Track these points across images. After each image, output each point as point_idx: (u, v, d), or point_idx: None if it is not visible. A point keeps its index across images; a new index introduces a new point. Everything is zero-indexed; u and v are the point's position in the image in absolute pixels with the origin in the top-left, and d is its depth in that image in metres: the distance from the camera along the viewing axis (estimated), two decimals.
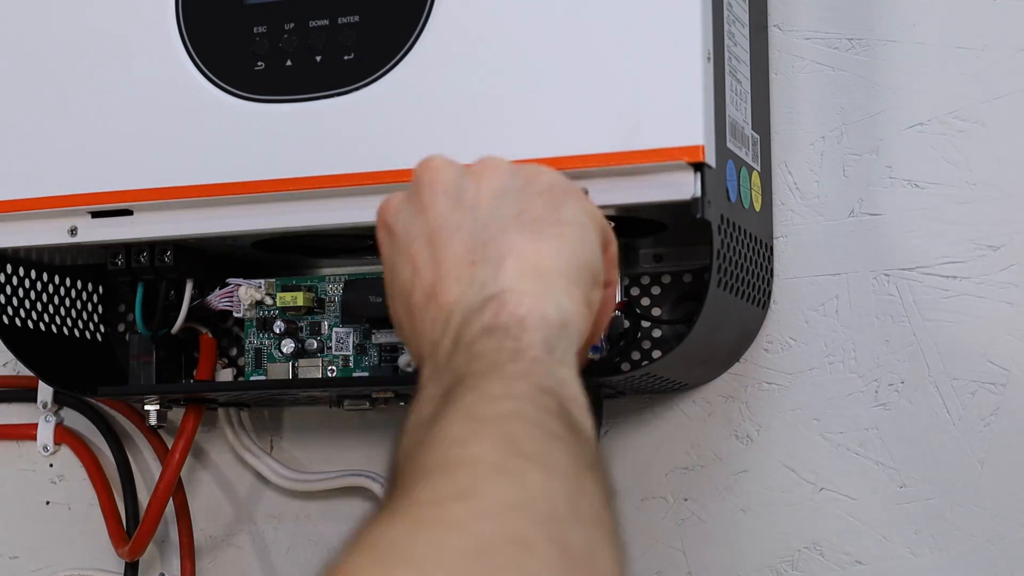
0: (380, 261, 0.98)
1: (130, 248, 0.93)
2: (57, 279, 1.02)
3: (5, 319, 0.97)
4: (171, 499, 1.02)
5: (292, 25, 0.87)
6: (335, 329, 0.95)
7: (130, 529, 1.05)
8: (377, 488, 1.01)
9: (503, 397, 0.56)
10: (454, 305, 0.63)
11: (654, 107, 0.80)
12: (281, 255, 0.98)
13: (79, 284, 1.04)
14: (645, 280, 0.95)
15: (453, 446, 0.53)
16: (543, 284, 0.63)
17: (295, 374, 0.95)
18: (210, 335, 1.01)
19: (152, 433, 1.06)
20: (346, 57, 0.86)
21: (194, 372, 1.01)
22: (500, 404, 0.55)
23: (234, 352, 1.04)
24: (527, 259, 0.64)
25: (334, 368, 0.95)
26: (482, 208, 0.67)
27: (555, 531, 0.48)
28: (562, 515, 0.50)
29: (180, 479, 1.03)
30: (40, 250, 0.97)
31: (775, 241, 0.94)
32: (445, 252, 0.65)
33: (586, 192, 0.74)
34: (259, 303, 0.96)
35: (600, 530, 0.50)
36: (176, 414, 1.04)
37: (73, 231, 0.92)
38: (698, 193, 0.79)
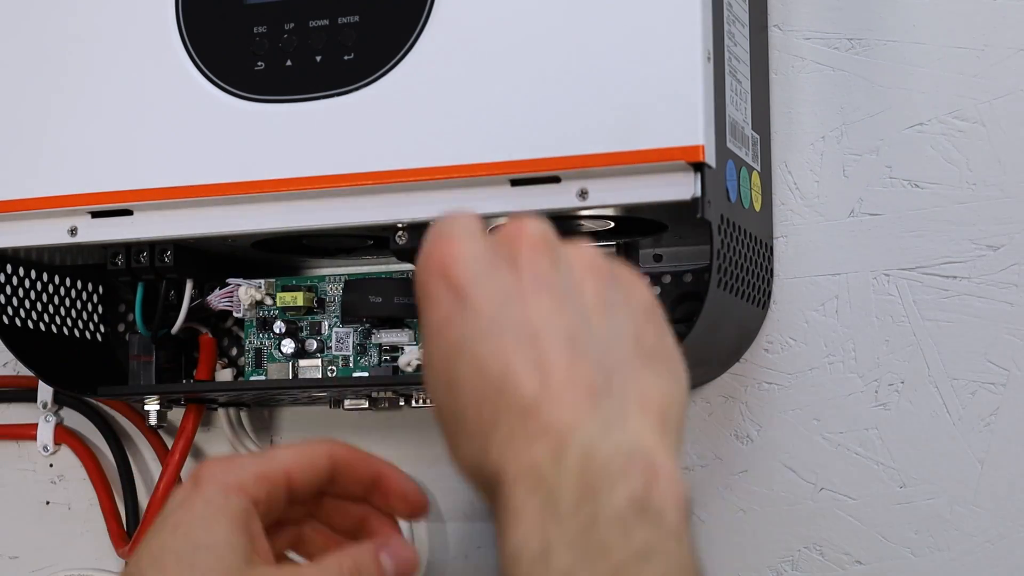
0: (379, 261, 1.00)
1: (130, 248, 0.93)
2: (57, 279, 1.02)
3: (5, 319, 0.97)
4: None
5: (292, 25, 0.87)
6: (335, 329, 0.95)
7: (130, 529, 1.05)
8: None
9: None
10: (569, 434, 0.53)
11: (654, 107, 0.80)
12: (281, 255, 0.98)
13: (79, 284, 1.04)
14: (645, 280, 0.95)
15: None
16: (670, 438, 0.55)
17: (295, 374, 0.95)
18: (210, 335, 1.01)
19: (152, 433, 1.06)
20: (346, 57, 0.86)
21: (194, 372, 1.01)
22: None
23: (234, 352, 1.03)
24: (656, 401, 0.56)
25: (334, 368, 0.95)
26: (595, 322, 0.56)
27: None
28: None
29: (180, 479, 1.02)
30: (40, 250, 0.97)
31: (775, 241, 0.94)
32: (555, 362, 0.54)
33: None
34: (259, 303, 0.96)
35: None
36: (176, 414, 1.04)
37: (73, 231, 0.92)
38: (698, 193, 0.79)
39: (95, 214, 0.91)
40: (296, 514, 0.70)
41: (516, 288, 0.56)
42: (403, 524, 0.74)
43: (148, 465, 1.09)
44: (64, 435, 1.09)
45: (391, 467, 0.71)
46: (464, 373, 0.55)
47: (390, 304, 0.92)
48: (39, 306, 1.00)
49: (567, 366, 0.54)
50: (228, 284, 0.96)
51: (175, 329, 0.98)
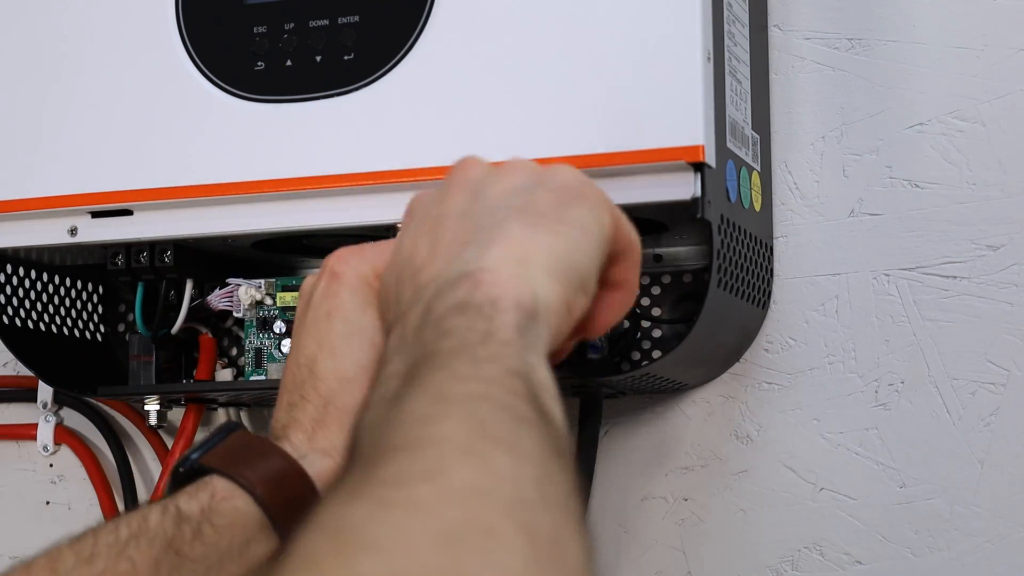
0: None
1: (130, 248, 0.93)
2: (57, 279, 1.02)
3: (5, 319, 0.97)
4: None
5: (292, 25, 0.87)
6: None
7: None
8: None
9: (472, 378, 0.54)
10: (432, 279, 0.62)
11: (654, 107, 0.80)
12: (281, 255, 0.98)
13: (79, 284, 1.04)
14: (645, 280, 0.95)
15: (419, 425, 0.51)
16: (523, 271, 0.61)
17: None
18: (210, 335, 1.01)
19: (152, 433, 1.06)
20: (346, 57, 0.86)
21: (194, 372, 1.01)
22: (469, 385, 0.54)
23: (234, 352, 1.04)
24: (515, 247, 0.62)
25: None
26: (491, 200, 0.66)
27: (523, 516, 0.47)
28: (530, 500, 0.49)
29: None
30: (40, 250, 0.97)
31: (775, 241, 0.94)
32: (444, 234, 0.64)
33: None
34: (259, 303, 0.96)
35: (567, 516, 0.49)
36: (176, 414, 1.04)
37: (73, 231, 0.92)
38: (698, 193, 0.79)
39: (95, 214, 0.91)
40: None
41: (441, 195, 0.67)
42: None
43: (148, 465, 1.09)
44: (64, 435, 1.09)
45: None
46: (394, 261, 0.67)
47: None
48: (39, 306, 1.00)
49: (451, 235, 0.64)
50: (228, 284, 0.96)
51: (175, 329, 0.98)
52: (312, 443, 0.68)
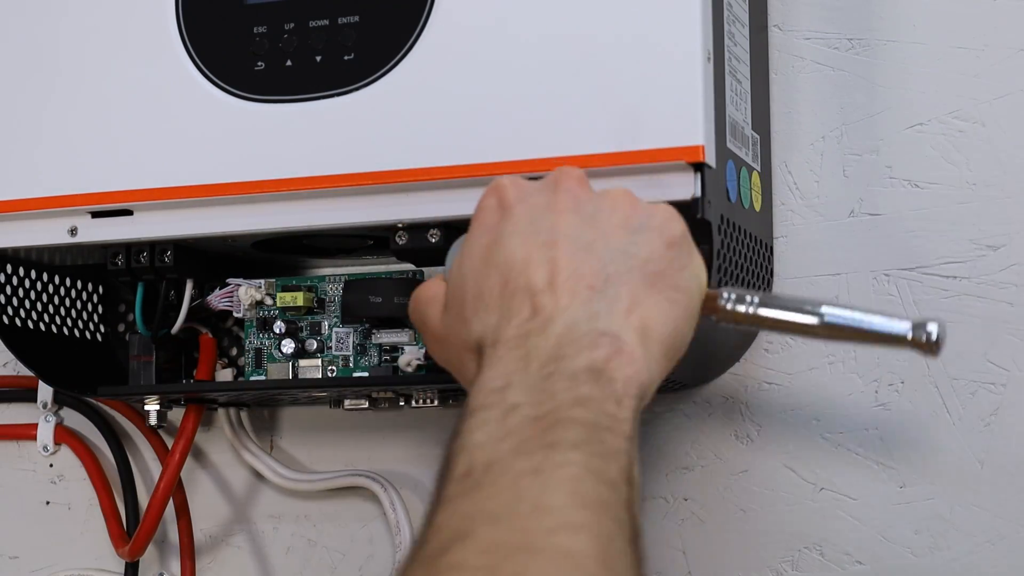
0: (379, 262, 1.00)
1: (130, 248, 0.93)
2: (57, 279, 1.02)
3: (5, 319, 0.97)
4: (171, 499, 1.02)
5: (292, 25, 0.87)
6: (335, 329, 0.95)
7: (130, 529, 1.05)
8: (377, 488, 1.00)
9: (602, 481, 0.58)
10: (559, 313, 0.64)
11: (654, 107, 0.80)
12: (281, 255, 0.98)
13: (79, 284, 1.04)
14: None
15: (546, 520, 0.55)
16: (647, 347, 0.65)
17: (295, 374, 0.95)
18: (210, 335, 1.01)
19: (152, 433, 1.06)
20: (346, 57, 0.86)
21: (194, 372, 1.01)
22: (600, 490, 0.58)
23: (234, 352, 1.04)
24: (642, 314, 0.66)
25: (334, 368, 0.95)
26: (612, 239, 0.68)
27: None
28: None
29: (180, 479, 1.02)
30: (40, 250, 0.97)
31: (775, 241, 0.94)
32: (566, 262, 0.66)
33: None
34: (259, 303, 0.96)
35: None
36: (176, 414, 1.04)
37: (73, 231, 0.92)
38: (698, 193, 0.79)
39: (95, 214, 0.91)
40: None
41: (551, 205, 0.69)
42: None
43: (148, 465, 1.09)
44: (64, 435, 1.09)
45: None
46: (498, 259, 0.67)
47: (390, 304, 0.92)
48: (39, 306, 1.00)
49: (574, 266, 0.66)
50: (228, 284, 0.96)
51: (175, 329, 0.98)
52: None
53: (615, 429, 0.61)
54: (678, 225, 0.70)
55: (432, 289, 0.72)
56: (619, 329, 0.64)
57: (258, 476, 1.05)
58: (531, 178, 0.73)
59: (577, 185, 0.70)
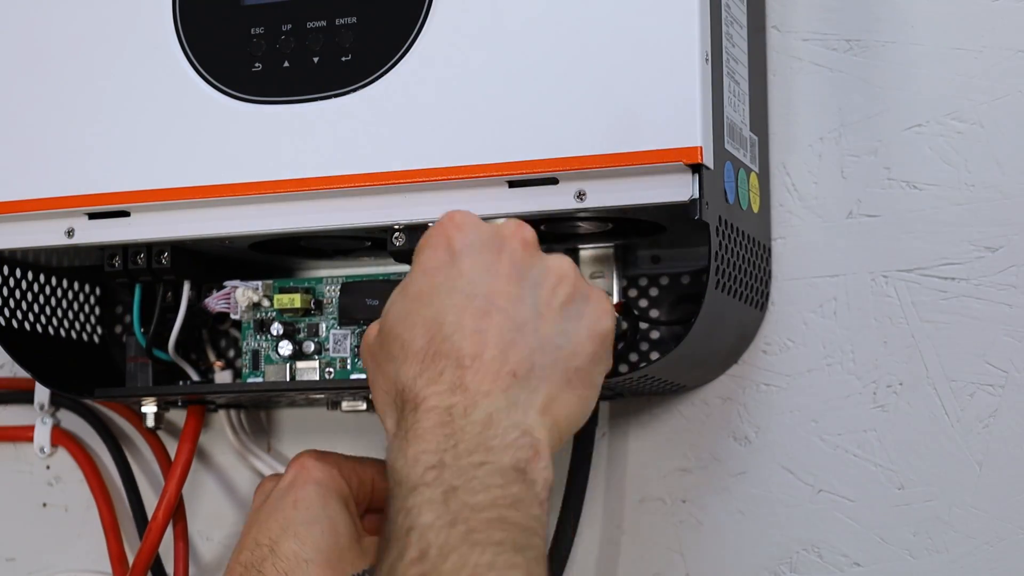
0: (377, 263, 1.00)
1: (127, 249, 0.93)
2: (54, 280, 1.02)
3: (2, 321, 0.97)
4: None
5: (290, 26, 0.87)
6: (332, 331, 0.95)
7: (130, 529, 1.05)
8: None
9: None
10: (482, 398, 0.68)
11: (652, 108, 0.80)
12: (278, 257, 0.98)
13: (76, 286, 1.04)
14: (643, 282, 0.95)
15: None
16: (553, 444, 0.70)
17: (293, 376, 0.95)
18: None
19: (150, 435, 1.05)
20: (344, 58, 0.86)
21: (191, 374, 1.01)
22: None
23: (231, 354, 1.03)
24: (554, 413, 0.70)
25: (331, 370, 0.95)
26: (544, 324, 0.71)
27: None
28: None
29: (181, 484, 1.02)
30: (37, 251, 0.97)
31: (773, 242, 0.94)
32: (495, 340, 0.69)
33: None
34: (256, 305, 0.96)
35: None
36: (174, 415, 1.04)
37: (70, 232, 0.92)
38: (696, 194, 0.79)
39: (92, 215, 0.91)
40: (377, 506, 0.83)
41: (495, 268, 0.70)
42: None
43: (146, 467, 1.08)
44: (61, 437, 1.09)
45: None
46: (427, 313, 0.70)
47: None
48: (36, 308, 1.00)
49: (502, 347, 0.69)
50: (225, 286, 0.96)
51: (173, 334, 0.98)
52: None
53: (540, 533, 0.65)
54: (608, 321, 0.74)
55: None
56: (534, 426, 0.68)
57: (259, 477, 1.05)
58: (486, 218, 0.75)
59: (522, 249, 0.72)
